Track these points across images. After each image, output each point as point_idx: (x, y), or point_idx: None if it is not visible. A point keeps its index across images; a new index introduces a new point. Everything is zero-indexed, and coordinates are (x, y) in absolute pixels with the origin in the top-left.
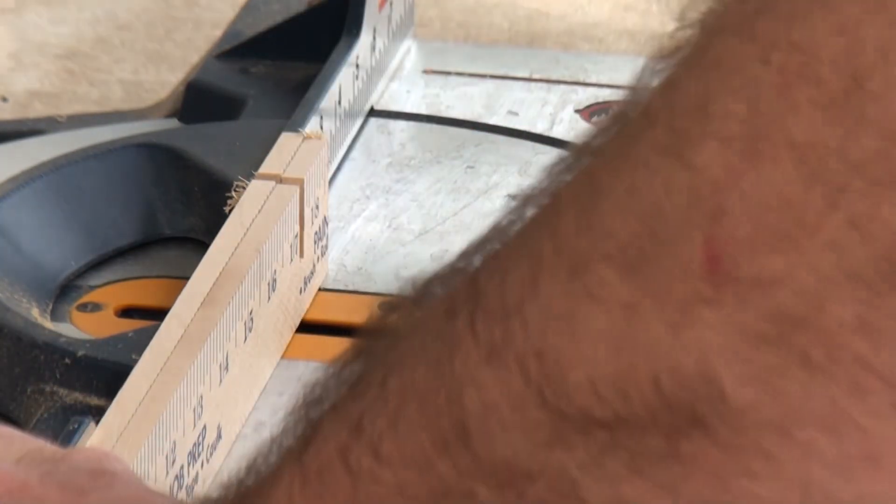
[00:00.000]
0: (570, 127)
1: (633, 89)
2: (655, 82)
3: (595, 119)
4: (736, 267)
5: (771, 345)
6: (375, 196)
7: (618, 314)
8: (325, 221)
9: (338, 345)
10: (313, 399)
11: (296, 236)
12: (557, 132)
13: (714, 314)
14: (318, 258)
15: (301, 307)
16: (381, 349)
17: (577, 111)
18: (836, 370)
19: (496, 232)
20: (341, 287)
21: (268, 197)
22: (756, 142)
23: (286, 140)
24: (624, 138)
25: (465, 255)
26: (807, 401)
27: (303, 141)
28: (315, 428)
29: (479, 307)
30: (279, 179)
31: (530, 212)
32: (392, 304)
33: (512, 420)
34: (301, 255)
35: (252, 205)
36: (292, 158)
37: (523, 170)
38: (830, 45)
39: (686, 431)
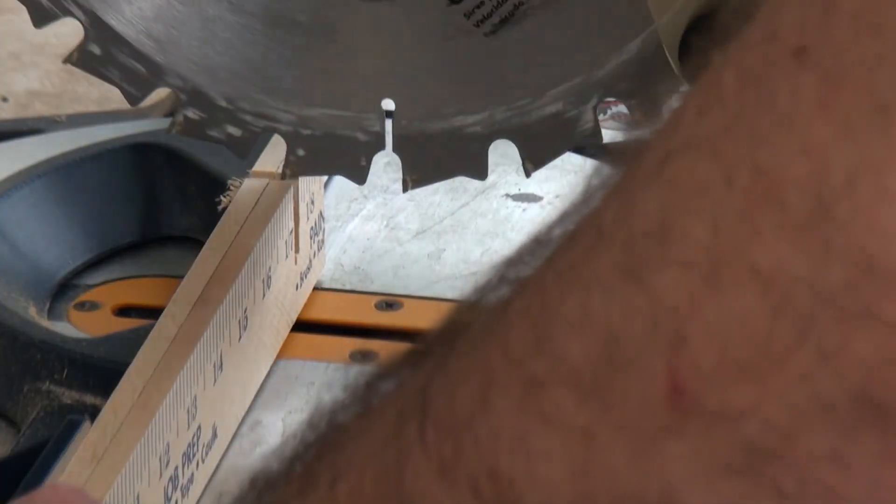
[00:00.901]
0: None
1: (582, 196)
2: (604, 191)
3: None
4: (700, 398)
5: (740, 475)
6: (373, 195)
7: (575, 439)
8: (322, 216)
9: (335, 344)
10: (265, 484)
11: (291, 232)
12: None
13: (679, 444)
14: (314, 253)
15: (297, 303)
16: (332, 446)
17: None
18: (808, 501)
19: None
20: (338, 286)
21: (262, 194)
22: (718, 268)
23: (280, 138)
24: (575, 251)
25: (424, 342)
26: None
27: None
28: None
29: (428, 417)
30: (274, 176)
31: (482, 309)
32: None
33: None
34: (297, 251)
35: (246, 202)
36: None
37: (521, 169)
38: (795, 167)
39: None
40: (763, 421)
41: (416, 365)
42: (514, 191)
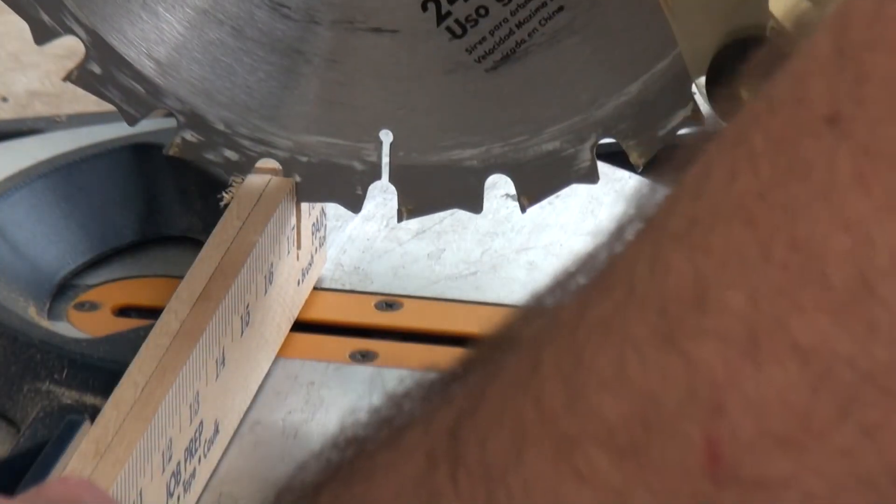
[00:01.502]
0: None
1: (607, 252)
2: (629, 242)
3: None
4: (737, 467)
5: None
6: (373, 195)
7: (609, 499)
8: (323, 213)
9: (335, 344)
10: None
11: (293, 228)
12: None
13: None
14: (315, 249)
15: (299, 299)
16: (360, 476)
17: None
18: None
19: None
20: (338, 286)
21: (264, 190)
22: (757, 341)
23: None
24: (606, 305)
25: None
26: None
27: None
28: None
29: (460, 464)
30: (276, 172)
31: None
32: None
33: None
34: (298, 247)
35: (248, 198)
36: None
37: None
38: (836, 242)
39: None
40: (803, 493)
41: (444, 394)
42: (514, 190)
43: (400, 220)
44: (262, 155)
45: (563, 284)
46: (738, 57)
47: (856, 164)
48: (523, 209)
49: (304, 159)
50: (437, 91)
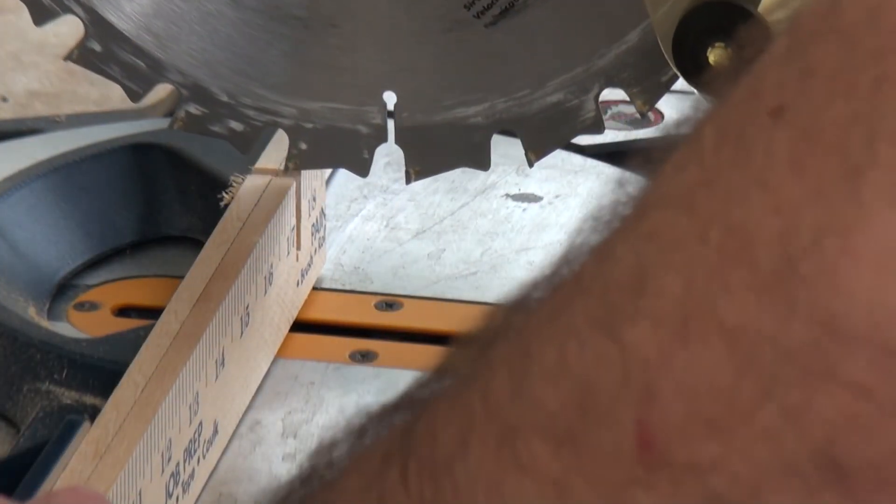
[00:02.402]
0: None
1: (566, 248)
2: (590, 242)
3: None
4: (668, 451)
5: None
6: (373, 195)
7: (548, 489)
8: (323, 213)
9: (334, 344)
10: None
11: (292, 229)
12: None
13: (647, 496)
14: (315, 250)
15: (298, 300)
16: (325, 483)
17: None
18: None
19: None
20: (338, 286)
21: (264, 190)
22: (688, 323)
23: (283, 135)
24: (557, 300)
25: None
26: None
27: None
28: None
29: (411, 460)
30: (276, 173)
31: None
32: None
33: None
34: (298, 248)
35: (248, 199)
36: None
37: (521, 169)
38: (767, 225)
39: None
40: (730, 476)
41: (408, 407)
42: (514, 191)
43: (408, 181)
44: (267, 124)
45: (529, 291)
46: (704, 21)
47: (793, 149)
48: (530, 164)
49: (309, 126)
50: (438, 50)
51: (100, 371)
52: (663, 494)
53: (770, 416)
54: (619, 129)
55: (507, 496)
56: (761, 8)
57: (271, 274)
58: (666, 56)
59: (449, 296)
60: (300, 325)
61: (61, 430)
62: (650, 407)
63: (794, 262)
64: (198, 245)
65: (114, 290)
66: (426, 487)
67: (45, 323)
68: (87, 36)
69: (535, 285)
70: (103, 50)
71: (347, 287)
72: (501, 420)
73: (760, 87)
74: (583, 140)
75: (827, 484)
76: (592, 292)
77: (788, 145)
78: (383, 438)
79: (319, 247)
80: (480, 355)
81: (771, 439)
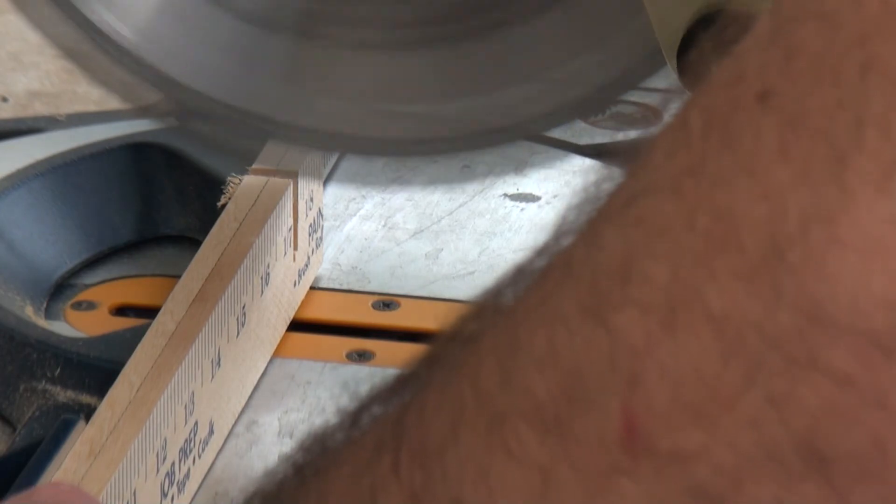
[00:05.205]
0: (568, 126)
1: (555, 232)
2: (578, 227)
3: (592, 119)
4: (653, 439)
5: None
6: (371, 195)
7: (534, 475)
8: (320, 214)
9: (331, 344)
10: None
11: (289, 229)
12: (554, 132)
13: (631, 485)
14: (312, 250)
15: (295, 300)
16: (317, 472)
17: None
18: None
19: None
20: (336, 286)
21: (261, 191)
22: (675, 310)
23: None
24: (545, 286)
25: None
26: None
27: None
28: None
29: (402, 448)
30: (273, 174)
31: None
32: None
33: None
34: (295, 248)
35: (245, 199)
36: (286, 152)
37: (519, 169)
38: (753, 211)
39: None
40: (713, 465)
41: (400, 393)
42: (511, 190)
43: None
44: (260, 133)
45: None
46: (707, 31)
47: (780, 135)
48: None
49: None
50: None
51: (96, 370)
52: (646, 483)
53: (754, 404)
54: (619, 130)
55: (492, 482)
56: None
57: (268, 274)
58: (670, 66)
59: (446, 295)
60: (297, 325)
61: (56, 429)
62: (636, 394)
63: (781, 248)
64: (195, 244)
65: (111, 289)
66: (417, 475)
67: (43, 322)
68: None
69: (519, 271)
70: None
71: (345, 286)
72: (491, 407)
73: (744, 69)
74: (581, 140)
75: (808, 473)
76: (581, 278)
77: (775, 130)
78: (376, 427)
79: (317, 247)
80: (470, 342)
81: (754, 428)
